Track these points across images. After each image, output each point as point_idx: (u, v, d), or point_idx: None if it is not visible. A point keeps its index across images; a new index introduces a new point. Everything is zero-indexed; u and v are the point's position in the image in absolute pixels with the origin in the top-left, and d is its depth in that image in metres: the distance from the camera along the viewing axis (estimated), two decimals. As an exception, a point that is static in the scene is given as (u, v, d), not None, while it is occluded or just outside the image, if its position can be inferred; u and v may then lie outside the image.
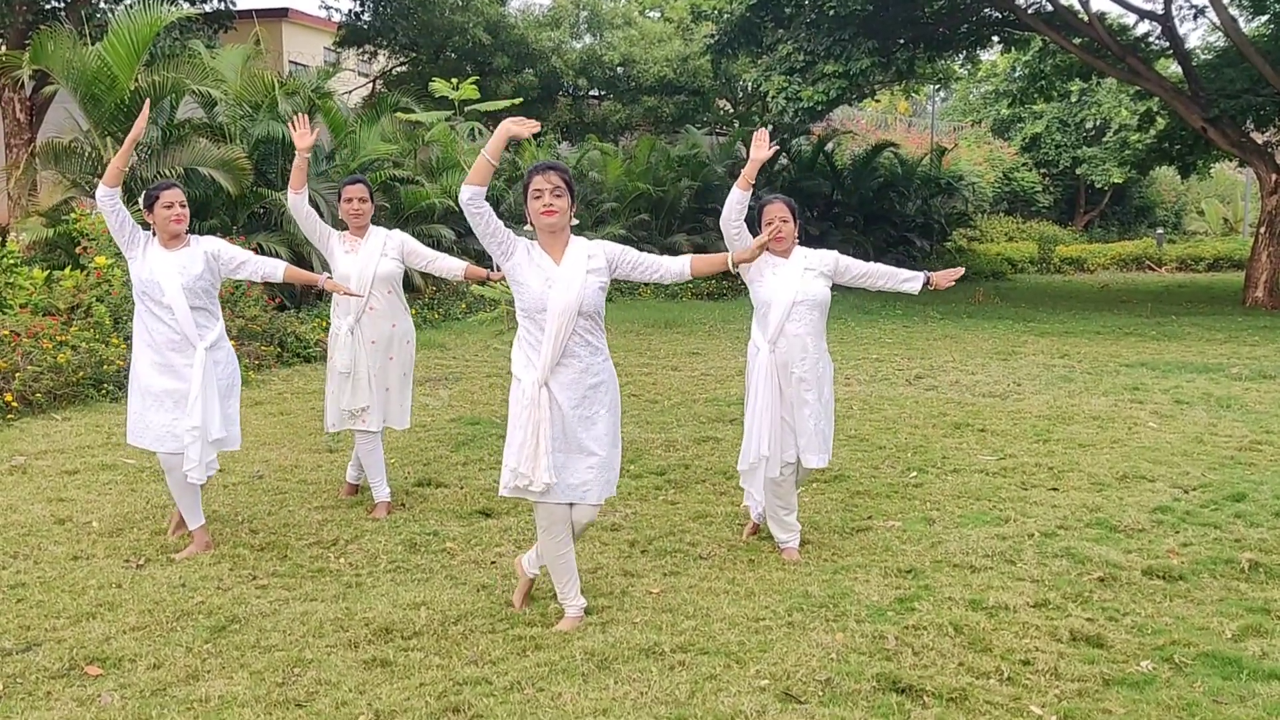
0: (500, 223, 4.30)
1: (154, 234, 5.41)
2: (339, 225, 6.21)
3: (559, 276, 4.26)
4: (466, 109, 9.74)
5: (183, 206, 5.39)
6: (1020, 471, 6.86)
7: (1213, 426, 8.17)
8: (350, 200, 5.98)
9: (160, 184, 5.48)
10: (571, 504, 4.37)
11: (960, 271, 5.37)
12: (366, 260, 5.95)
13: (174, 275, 5.28)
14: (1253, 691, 3.79)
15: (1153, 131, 24.89)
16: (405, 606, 4.54)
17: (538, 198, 4.27)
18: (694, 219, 21.99)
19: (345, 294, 5.78)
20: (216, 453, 5.42)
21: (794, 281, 5.23)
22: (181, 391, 5.27)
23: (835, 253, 5.44)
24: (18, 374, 8.55)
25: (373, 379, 6.03)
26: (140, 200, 5.44)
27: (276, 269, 5.59)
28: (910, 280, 5.32)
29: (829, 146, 24.84)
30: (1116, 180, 33.80)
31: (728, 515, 5.94)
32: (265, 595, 4.72)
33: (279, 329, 11.46)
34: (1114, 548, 5.31)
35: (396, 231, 6.19)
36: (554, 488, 4.29)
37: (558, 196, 4.26)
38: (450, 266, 6.13)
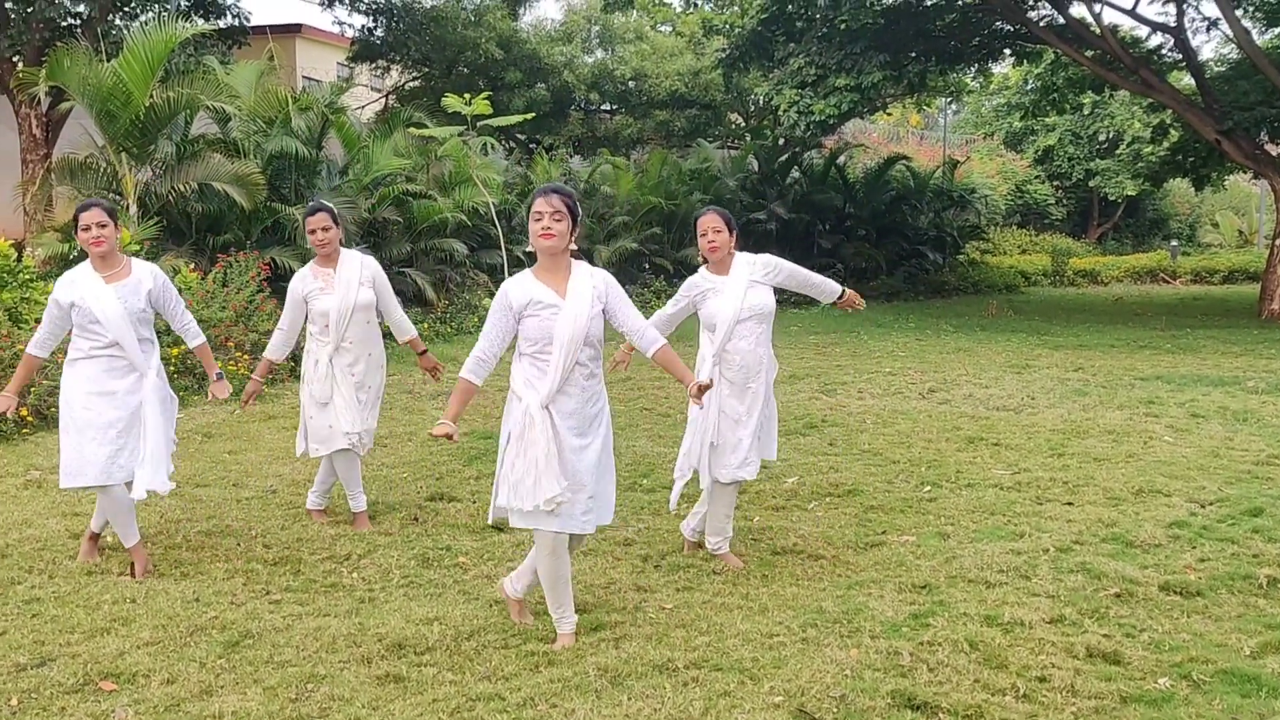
0: (502, 334, 4.33)
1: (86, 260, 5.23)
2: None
3: (564, 308, 4.25)
4: (479, 124, 9.76)
5: (101, 227, 5.12)
6: (1035, 486, 6.83)
7: (1229, 440, 8.12)
8: (314, 231, 5.88)
9: (84, 202, 5.24)
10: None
11: (861, 303, 5.77)
12: (345, 294, 5.90)
13: (116, 307, 5.12)
14: (1272, 709, 3.75)
15: (1166, 144, 24.81)
16: (418, 622, 4.54)
17: (538, 220, 4.27)
18: (706, 232, 21.97)
19: (228, 399, 5.81)
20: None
21: (737, 298, 5.24)
22: (124, 420, 5.13)
23: (774, 256, 5.47)
24: (33, 389, 8.59)
25: (355, 404, 5.96)
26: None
27: (196, 339, 5.55)
28: (829, 291, 5.63)
29: (841, 160, 24.83)
30: (1130, 193, 33.71)
31: (741, 531, 5.91)
32: (278, 610, 4.72)
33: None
34: (1130, 563, 5.27)
35: (370, 259, 6.13)
36: (559, 515, 4.24)
37: (557, 220, 4.25)
38: (400, 327, 6.18)
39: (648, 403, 9.90)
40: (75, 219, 5.18)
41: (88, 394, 5.12)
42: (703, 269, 5.39)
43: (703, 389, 4.42)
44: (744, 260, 5.34)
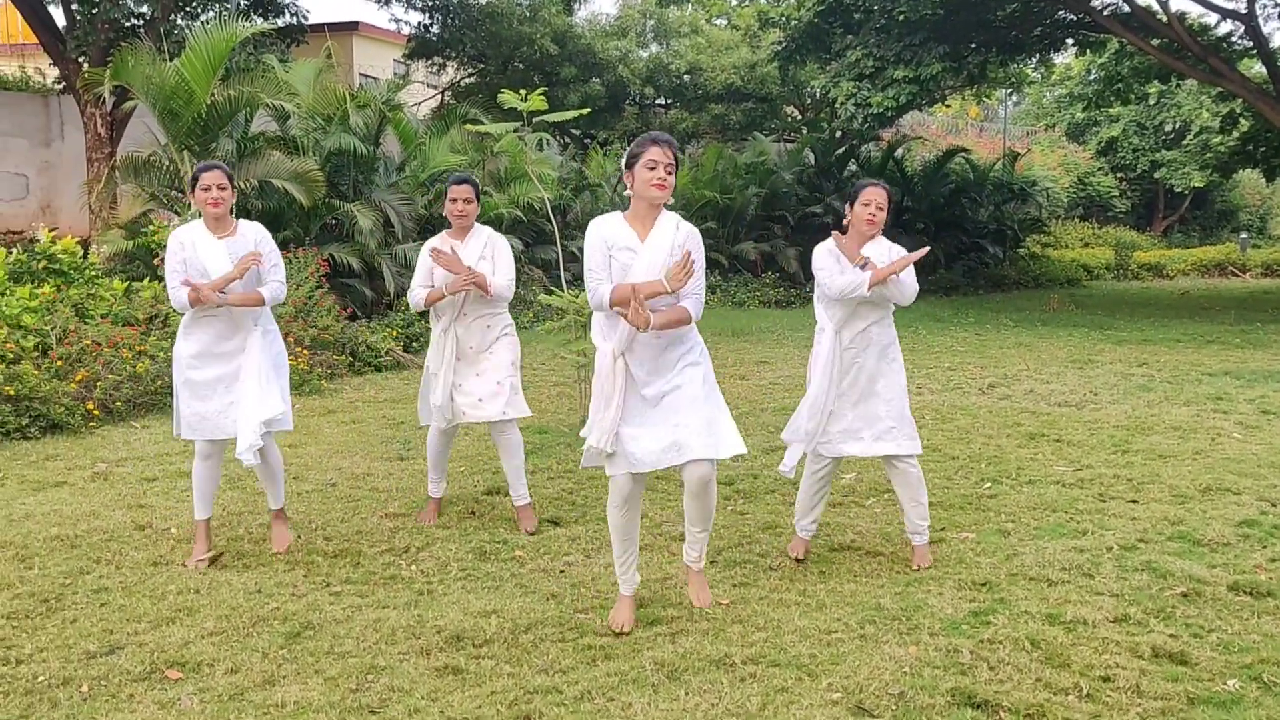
0: (604, 263, 4.28)
1: (197, 217, 5.39)
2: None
3: (641, 253, 4.27)
4: (534, 120, 9.77)
5: (220, 189, 5.25)
6: (1098, 483, 6.71)
7: (1299, 437, 7.93)
8: (455, 201, 5.89)
9: (204, 164, 5.38)
10: (681, 467, 4.34)
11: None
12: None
13: (228, 265, 5.26)
14: (1346, 712, 3.66)
15: (1236, 134, 24.33)
16: (476, 614, 4.56)
17: (652, 168, 4.22)
18: (761, 226, 21.91)
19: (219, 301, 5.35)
20: (263, 436, 5.36)
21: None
22: (231, 374, 5.32)
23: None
24: (99, 383, 8.76)
25: (468, 377, 5.91)
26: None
27: (269, 290, 5.42)
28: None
29: (899, 152, 24.60)
30: (1197, 184, 33.06)
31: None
32: (339, 602, 4.77)
33: (350, 339, 11.61)
34: (1197, 562, 5.17)
35: (498, 236, 6.05)
36: (620, 457, 4.30)
37: (670, 172, 4.24)
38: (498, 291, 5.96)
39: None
40: (195, 179, 5.28)
41: (197, 355, 5.32)
42: (833, 243, 5.17)
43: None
44: (884, 243, 5.22)
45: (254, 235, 5.46)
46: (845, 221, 5.24)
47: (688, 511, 4.56)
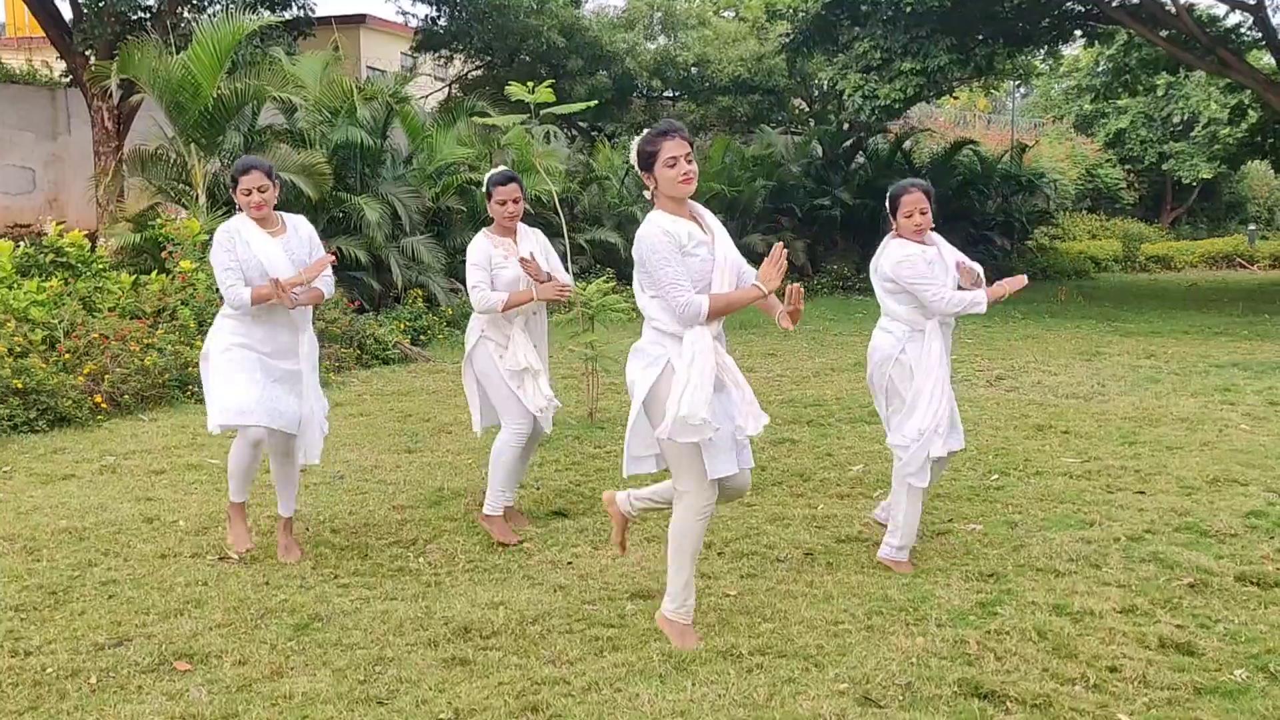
0: (683, 270, 4.06)
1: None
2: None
3: (716, 242, 4.16)
4: (542, 112, 9.78)
5: (261, 192, 5.13)
6: (1105, 474, 6.70)
7: (1308, 428, 7.91)
8: (505, 202, 5.71)
9: (242, 163, 5.23)
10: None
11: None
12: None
13: (286, 264, 5.15)
14: (1354, 703, 3.65)
15: (1244, 125, 24.24)
16: (483, 606, 4.57)
17: (673, 165, 4.05)
18: (769, 219, 21.88)
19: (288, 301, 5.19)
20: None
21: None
22: (292, 374, 5.23)
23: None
24: (107, 376, 8.79)
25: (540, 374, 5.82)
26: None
27: (332, 289, 5.42)
28: None
29: (907, 145, 24.54)
30: (1205, 176, 32.90)
31: (804, 518, 5.88)
32: (346, 594, 4.78)
33: (358, 331, 11.63)
34: (1204, 553, 5.16)
35: (538, 231, 5.97)
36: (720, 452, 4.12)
37: (690, 162, 4.10)
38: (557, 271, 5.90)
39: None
40: (234, 179, 5.15)
41: (245, 345, 5.15)
42: (920, 249, 5.14)
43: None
44: (939, 239, 5.32)
45: (306, 231, 5.38)
46: (894, 230, 5.20)
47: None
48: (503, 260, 5.68)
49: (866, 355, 5.33)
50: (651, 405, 4.14)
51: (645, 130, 4.20)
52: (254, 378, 5.14)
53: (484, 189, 5.87)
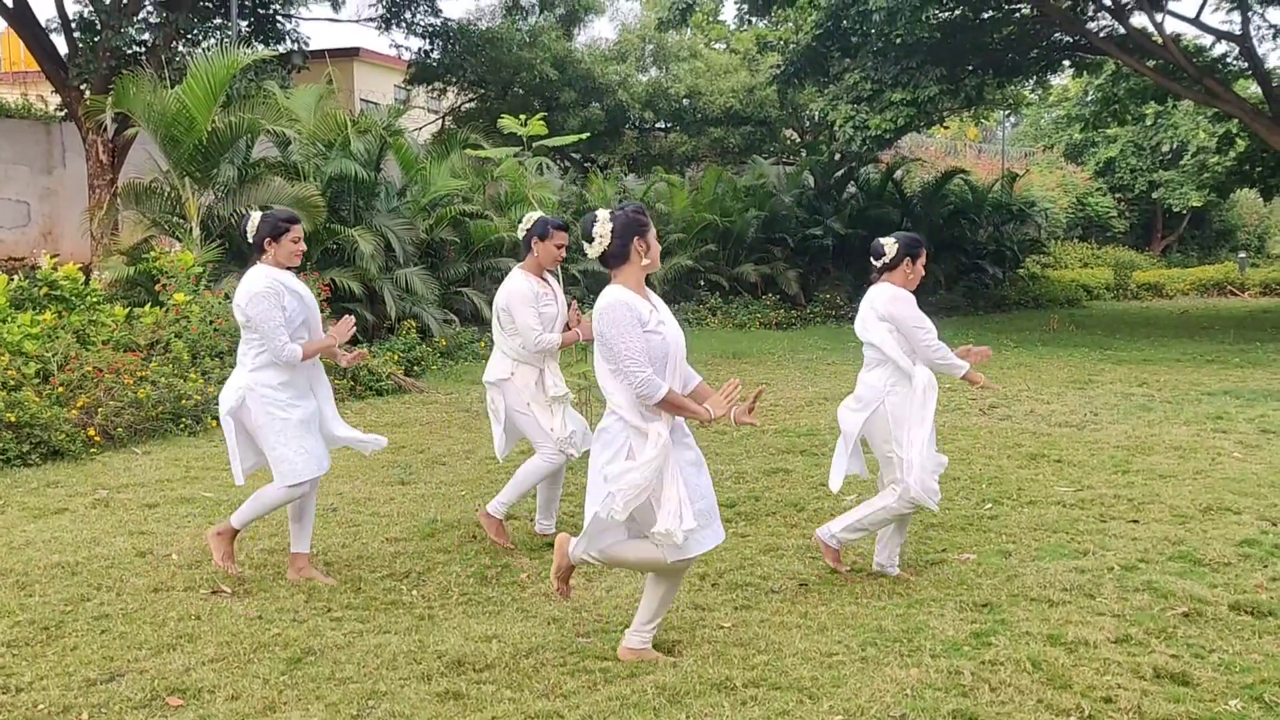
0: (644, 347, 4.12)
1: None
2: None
3: (666, 323, 4.23)
4: (535, 144, 9.83)
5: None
6: (1099, 503, 6.71)
7: (1300, 456, 7.93)
8: (561, 246, 6.03)
9: (288, 214, 5.50)
10: None
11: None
12: (560, 303, 6.09)
13: (316, 305, 5.52)
14: (1349, 732, 3.65)
15: (1232, 154, 24.39)
16: (477, 639, 4.56)
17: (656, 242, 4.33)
18: (761, 249, 21.95)
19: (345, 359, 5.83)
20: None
21: None
22: (316, 410, 5.47)
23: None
24: (100, 409, 8.77)
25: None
26: (256, 223, 5.34)
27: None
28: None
29: (898, 174, 24.67)
30: (1195, 204, 33.12)
31: (799, 548, 5.88)
32: (340, 628, 4.77)
33: (351, 363, 11.60)
34: (1198, 582, 5.17)
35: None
36: (706, 530, 4.21)
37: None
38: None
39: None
40: (280, 229, 5.33)
41: (296, 397, 5.36)
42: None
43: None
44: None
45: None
46: (907, 275, 5.37)
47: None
48: (547, 299, 5.99)
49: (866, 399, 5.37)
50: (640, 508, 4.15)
51: (626, 208, 4.26)
52: (312, 428, 5.40)
53: (534, 230, 6.04)
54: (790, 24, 25.73)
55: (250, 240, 5.41)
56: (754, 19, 23.09)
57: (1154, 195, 34.54)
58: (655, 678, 4.13)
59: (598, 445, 4.24)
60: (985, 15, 19.60)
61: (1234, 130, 23.40)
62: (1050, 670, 4.16)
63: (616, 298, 4.15)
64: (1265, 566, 5.40)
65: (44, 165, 18.58)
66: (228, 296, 11.15)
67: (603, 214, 4.25)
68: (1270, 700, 3.89)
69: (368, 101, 26.19)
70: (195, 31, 18.17)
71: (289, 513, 5.53)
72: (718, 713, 3.84)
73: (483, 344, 14.59)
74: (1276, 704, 3.86)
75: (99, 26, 16.18)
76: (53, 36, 17.53)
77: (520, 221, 6.15)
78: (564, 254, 6.10)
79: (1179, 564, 5.47)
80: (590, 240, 4.21)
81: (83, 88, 16.19)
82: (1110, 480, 7.34)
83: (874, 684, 4.05)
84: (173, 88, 12.67)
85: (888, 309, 5.26)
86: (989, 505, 6.75)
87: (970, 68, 20.27)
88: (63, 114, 18.01)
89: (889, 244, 5.37)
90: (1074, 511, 6.54)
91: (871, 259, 5.44)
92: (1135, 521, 6.29)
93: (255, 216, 5.41)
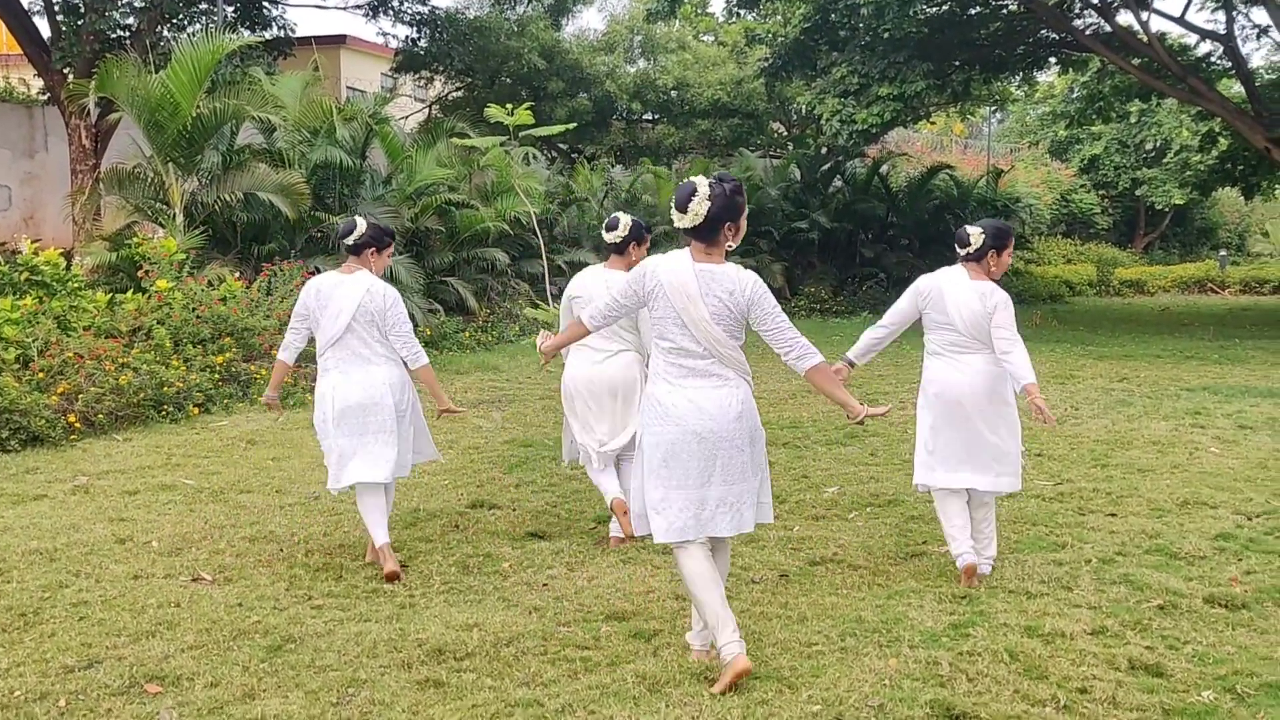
0: (632, 303, 4.28)
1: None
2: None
3: None
4: (521, 134, 9.82)
5: None
6: (1077, 496, 6.76)
7: (1278, 452, 7.99)
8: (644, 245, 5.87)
9: (390, 228, 5.84)
10: None
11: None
12: None
13: None
14: (1319, 724, 3.69)
15: (1215, 152, 24.50)
16: (458, 628, 4.57)
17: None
18: (747, 242, 21.93)
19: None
20: None
21: None
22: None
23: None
24: (81, 395, 8.74)
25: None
26: (364, 230, 5.53)
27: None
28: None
29: (884, 169, 24.71)
30: (1177, 202, 33.26)
31: (779, 540, 5.90)
32: (320, 615, 4.77)
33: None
34: (1174, 575, 5.21)
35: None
36: None
37: None
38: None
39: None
40: (385, 240, 5.66)
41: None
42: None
43: None
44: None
45: None
46: (991, 266, 5.27)
47: None
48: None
49: (979, 388, 5.30)
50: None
51: (726, 183, 4.10)
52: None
53: (633, 234, 5.78)
54: (778, 17, 25.71)
55: (350, 242, 5.51)
56: (742, 11, 23.08)
57: (1137, 193, 34.70)
58: (635, 667, 4.15)
59: (749, 422, 4.15)
60: (972, 11, 19.64)
61: (1216, 129, 23.52)
62: (1027, 661, 4.19)
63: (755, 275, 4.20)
64: (1240, 560, 5.45)
65: (26, 149, 18.45)
66: (210, 284, 11.12)
67: (701, 187, 4.03)
68: (1242, 691, 3.93)
69: (354, 89, 26.08)
70: (180, 16, 18.08)
71: (382, 505, 5.54)
72: (697, 702, 3.86)
73: (467, 334, 14.58)
74: (1248, 695, 3.91)
75: (83, 10, 16.06)
76: (36, 19, 17.39)
77: (604, 223, 5.82)
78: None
79: (1155, 557, 5.51)
80: (684, 210, 4.03)
81: (66, 71, 16.07)
82: (1089, 474, 7.39)
83: (853, 674, 4.07)
84: (157, 73, 12.60)
85: (1007, 314, 5.16)
86: (969, 498, 6.77)
87: (957, 63, 20.30)
88: (45, 98, 17.88)
89: (975, 233, 5.24)
90: (1053, 505, 6.59)
91: (956, 247, 5.31)
92: (1113, 515, 6.34)
93: (361, 222, 5.58)
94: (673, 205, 4.07)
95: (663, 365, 4.17)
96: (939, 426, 5.30)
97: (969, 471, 5.23)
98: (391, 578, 5.22)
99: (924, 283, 5.36)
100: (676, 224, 4.08)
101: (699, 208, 4.01)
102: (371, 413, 5.45)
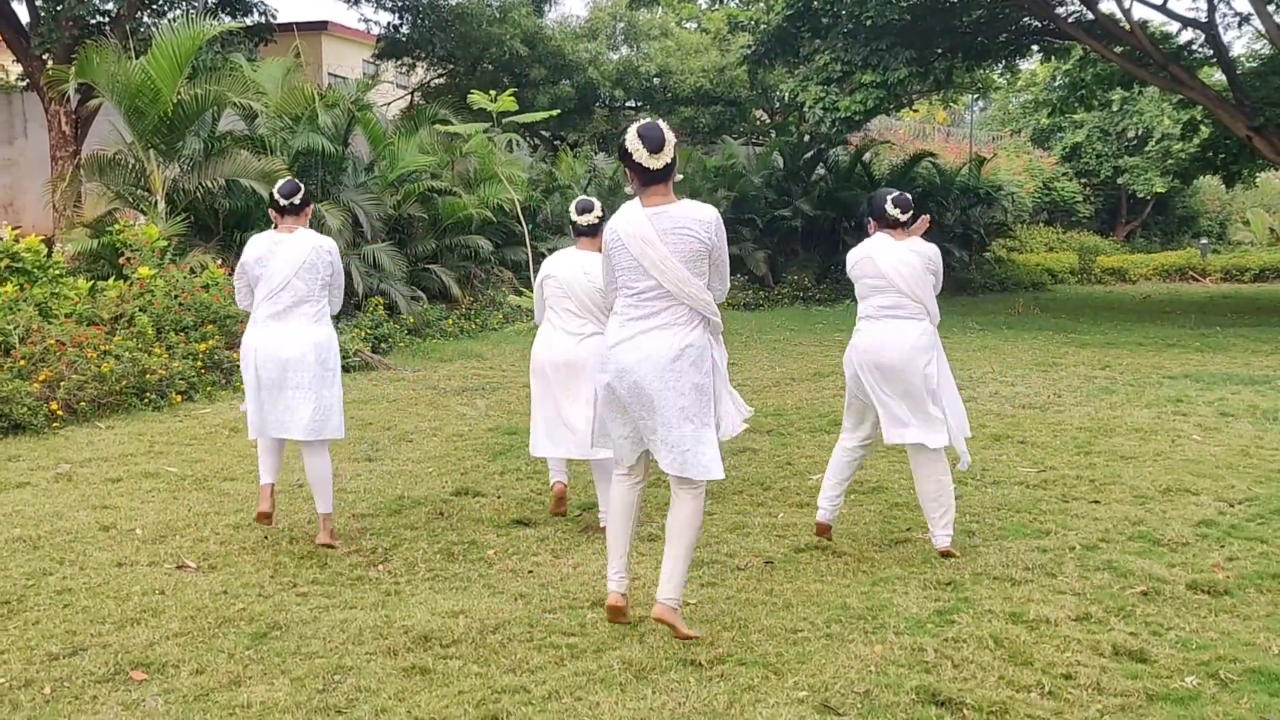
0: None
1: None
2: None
3: None
4: (504, 121, 9.79)
5: None
6: (1061, 484, 6.80)
7: (1259, 439, 8.05)
8: None
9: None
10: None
11: None
12: None
13: None
14: (1300, 708, 3.73)
15: (1196, 140, 24.59)
16: (443, 615, 4.57)
17: None
18: (730, 229, 21.84)
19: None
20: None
21: None
22: None
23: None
24: (63, 383, 8.68)
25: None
26: (304, 190, 5.71)
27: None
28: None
29: (867, 156, 24.73)
30: (1159, 190, 33.41)
31: (764, 526, 5.92)
32: (306, 603, 4.76)
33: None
34: (1157, 561, 5.25)
35: None
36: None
37: None
38: None
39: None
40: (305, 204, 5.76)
41: None
42: None
43: None
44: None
45: None
46: (911, 229, 5.64)
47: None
48: None
49: (887, 353, 5.45)
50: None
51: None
52: None
53: (605, 213, 5.77)
54: (761, 4, 25.66)
55: (297, 201, 5.62)
56: (725, -2, 23.05)
57: (1119, 181, 34.83)
58: (621, 653, 4.15)
59: (688, 364, 4.24)
60: (955, -2, 19.66)
61: (1198, 117, 23.60)
62: (1012, 647, 4.21)
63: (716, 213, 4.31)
64: (1222, 546, 5.49)
65: (5, 136, 18.31)
66: (192, 271, 11.06)
67: (666, 129, 4.17)
68: (1225, 677, 3.96)
69: (336, 76, 25.94)
70: (161, 2, 17.93)
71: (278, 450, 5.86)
72: (683, 688, 3.87)
73: (450, 322, 14.54)
74: (1231, 680, 3.94)
75: (62, -6, 15.91)
76: (14, 4, 17.21)
77: (575, 205, 5.87)
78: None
79: (1138, 544, 5.55)
80: (659, 151, 4.12)
81: (45, 57, 15.91)
82: (1072, 461, 7.42)
83: (838, 660, 4.09)
84: (138, 58, 12.51)
85: (938, 263, 5.48)
86: (953, 485, 6.79)
87: (940, 51, 20.33)
88: (24, 84, 17.73)
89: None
90: (1036, 492, 6.62)
91: (900, 211, 5.56)
92: (1096, 502, 6.38)
93: (297, 182, 5.80)
94: (642, 147, 4.12)
95: (620, 304, 4.35)
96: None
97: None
98: (262, 518, 5.61)
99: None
100: (648, 165, 4.14)
101: (671, 149, 4.15)
102: (292, 368, 5.52)
